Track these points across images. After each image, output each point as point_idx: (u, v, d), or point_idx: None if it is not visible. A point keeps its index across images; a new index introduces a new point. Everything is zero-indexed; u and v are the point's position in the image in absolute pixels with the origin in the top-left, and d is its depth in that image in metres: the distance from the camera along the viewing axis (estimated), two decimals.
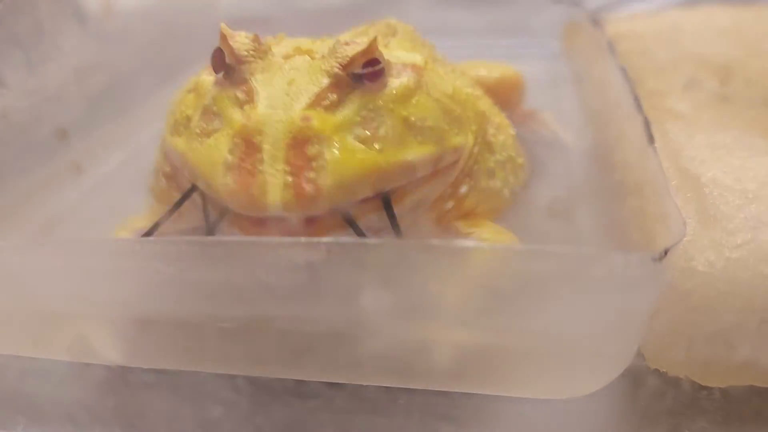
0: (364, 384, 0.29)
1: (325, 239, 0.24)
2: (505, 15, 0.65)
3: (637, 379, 0.28)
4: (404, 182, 0.28)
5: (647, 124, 0.33)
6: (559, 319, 0.25)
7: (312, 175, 0.25)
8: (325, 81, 0.27)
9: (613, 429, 0.28)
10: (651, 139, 0.32)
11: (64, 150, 0.43)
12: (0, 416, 0.30)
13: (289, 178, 0.25)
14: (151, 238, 0.27)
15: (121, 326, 0.29)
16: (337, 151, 0.26)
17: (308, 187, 0.25)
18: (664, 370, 0.28)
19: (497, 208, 0.34)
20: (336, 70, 0.27)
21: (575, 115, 0.49)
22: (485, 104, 0.36)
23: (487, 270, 0.24)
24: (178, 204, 0.31)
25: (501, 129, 0.36)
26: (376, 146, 0.27)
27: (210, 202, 0.29)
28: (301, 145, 0.26)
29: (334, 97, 0.27)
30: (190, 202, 0.30)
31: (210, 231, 0.28)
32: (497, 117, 0.37)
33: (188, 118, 0.30)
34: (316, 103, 0.27)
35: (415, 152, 0.28)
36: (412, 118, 0.28)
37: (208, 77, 0.30)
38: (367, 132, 0.27)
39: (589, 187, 0.39)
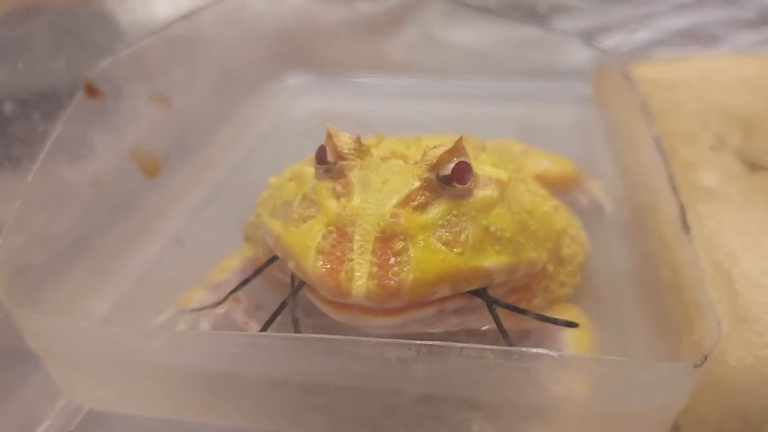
0: None
1: (417, 342, 0.28)
2: (534, 55, 0.67)
3: None
4: (479, 286, 0.31)
5: (683, 210, 0.37)
6: (617, 407, 0.29)
7: (396, 269, 0.28)
8: (416, 184, 0.30)
9: None
10: (687, 228, 0.36)
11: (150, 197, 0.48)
12: None
13: (375, 269, 0.28)
14: (265, 334, 0.30)
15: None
16: (420, 250, 0.29)
17: (391, 281, 0.28)
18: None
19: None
20: (426, 173, 0.31)
21: (606, 168, 0.53)
22: (561, 219, 0.38)
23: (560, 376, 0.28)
24: (256, 274, 0.35)
25: (574, 241, 0.38)
26: (457, 250, 0.30)
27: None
28: (388, 239, 0.29)
29: (422, 199, 0.30)
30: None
31: (293, 301, 0.31)
32: (572, 229, 0.39)
33: (287, 204, 0.33)
34: (405, 202, 0.30)
35: (492, 260, 0.31)
36: (492, 228, 0.31)
37: (309, 169, 0.34)
38: (450, 235, 0.30)
39: (628, 257, 0.43)
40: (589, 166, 0.53)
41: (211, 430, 0.35)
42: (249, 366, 0.30)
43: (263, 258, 0.38)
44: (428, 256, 0.29)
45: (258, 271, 0.35)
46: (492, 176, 0.34)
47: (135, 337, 0.31)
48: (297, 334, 0.29)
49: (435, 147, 0.31)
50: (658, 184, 0.43)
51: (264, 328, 0.31)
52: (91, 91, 0.41)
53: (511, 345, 0.31)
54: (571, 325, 0.33)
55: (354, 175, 0.31)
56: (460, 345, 0.28)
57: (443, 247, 0.30)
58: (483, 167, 0.35)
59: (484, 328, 0.35)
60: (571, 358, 0.29)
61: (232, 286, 0.38)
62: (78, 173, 0.42)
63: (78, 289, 0.40)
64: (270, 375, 0.30)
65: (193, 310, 0.37)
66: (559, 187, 0.47)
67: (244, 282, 0.35)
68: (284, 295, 0.32)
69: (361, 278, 0.28)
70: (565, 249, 0.37)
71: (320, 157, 0.32)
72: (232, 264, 0.40)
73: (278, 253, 0.33)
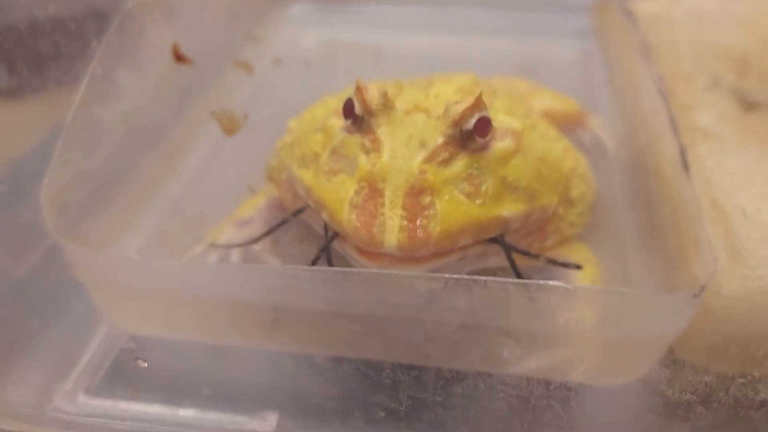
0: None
1: (445, 275, 0.31)
2: None
3: (668, 364, 0.36)
4: (498, 233, 0.33)
5: (683, 151, 0.40)
6: (623, 333, 0.33)
7: (424, 222, 0.31)
8: (440, 139, 0.33)
9: (655, 394, 0.36)
10: (686, 167, 0.39)
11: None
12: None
13: (405, 223, 0.31)
14: (315, 268, 0.32)
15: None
16: (446, 203, 0.31)
17: (420, 233, 0.31)
18: (690, 361, 0.36)
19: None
20: (449, 129, 0.33)
21: (607, 105, 0.56)
22: (570, 161, 0.41)
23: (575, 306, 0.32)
24: (284, 221, 0.38)
25: (583, 181, 0.41)
26: (478, 201, 0.32)
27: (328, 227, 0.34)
28: (417, 194, 0.31)
29: (446, 154, 0.32)
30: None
31: (328, 246, 0.34)
32: (580, 169, 0.41)
33: (316, 155, 0.35)
34: (431, 158, 0.32)
35: (510, 208, 0.33)
36: (510, 178, 0.34)
37: (336, 121, 0.36)
38: (471, 187, 0.32)
39: (630, 194, 0.46)
40: (591, 102, 0.56)
41: (250, 353, 0.39)
42: (299, 299, 0.33)
43: (287, 200, 0.41)
44: (453, 208, 0.32)
45: (287, 220, 0.37)
46: (508, 127, 0.36)
47: (184, 270, 0.34)
48: (340, 268, 0.32)
49: (457, 102, 0.33)
50: (659, 126, 0.45)
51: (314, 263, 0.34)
52: (179, 57, 0.42)
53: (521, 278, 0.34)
54: (577, 267, 0.36)
55: (381, 131, 0.33)
56: (484, 278, 0.31)
57: (466, 200, 0.32)
58: (498, 116, 0.37)
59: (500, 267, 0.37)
60: (582, 290, 0.33)
61: (258, 224, 0.41)
62: (109, 112, 0.43)
63: (114, 223, 0.42)
64: (321, 306, 0.33)
65: (226, 247, 0.40)
66: (563, 126, 0.50)
67: (277, 226, 0.38)
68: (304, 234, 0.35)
69: (392, 230, 0.30)
70: (574, 190, 0.40)
71: (347, 110, 0.34)
72: (258, 202, 0.43)
73: (311, 203, 0.35)
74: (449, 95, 0.39)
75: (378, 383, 0.35)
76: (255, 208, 0.42)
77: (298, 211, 0.37)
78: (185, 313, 0.36)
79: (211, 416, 0.36)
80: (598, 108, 0.55)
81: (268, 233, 0.38)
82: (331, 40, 0.68)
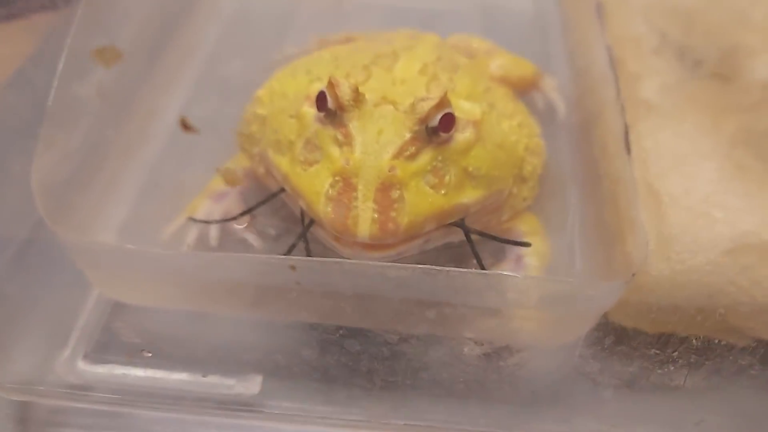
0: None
1: (413, 266, 0.35)
2: None
3: (603, 326, 0.41)
4: (459, 218, 0.37)
5: (627, 131, 0.44)
6: (561, 310, 0.38)
7: (393, 214, 0.34)
8: (407, 135, 0.35)
9: (589, 352, 0.42)
10: (628, 149, 0.43)
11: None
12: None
13: (376, 215, 0.34)
14: (298, 258, 0.36)
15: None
16: (413, 195, 0.35)
17: (390, 224, 0.34)
18: (619, 322, 0.42)
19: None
20: (416, 126, 0.35)
21: (561, 65, 0.59)
22: (524, 137, 0.44)
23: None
24: (264, 202, 0.41)
25: (534, 154, 0.44)
26: (442, 191, 0.36)
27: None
28: (387, 189, 0.34)
29: (413, 149, 0.35)
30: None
31: (305, 233, 0.37)
32: (533, 143, 0.44)
33: (291, 143, 0.38)
34: (399, 153, 0.35)
35: (470, 196, 0.37)
36: (470, 168, 0.37)
37: (309, 109, 0.38)
38: (436, 179, 0.36)
39: (576, 161, 0.50)
40: (545, 62, 0.58)
41: (236, 320, 0.43)
42: (284, 281, 0.36)
43: (260, 173, 0.44)
44: (419, 200, 0.35)
45: (267, 200, 0.40)
46: (469, 117, 0.39)
47: (171, 258, 0.38)
48: (324, 258, 0.35)
49: (423, 99, 0.36)
50: (606, 96, 0.49)
51: (287, 254, 0.38)
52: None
53: (482, 265, 0.38)
54: (527, 245, 0.40)
55: (353, 126, 0.36)
56: (447, 269, 0.35)
57: (431, 191, 0.36)
58: (460, 103, 0.40)
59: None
60: (528, 278, 0.37)
61: (234, 196, 0.44)
62: (85, 87, 0.45)
63: (98, 198, 0.45)
64: (300, 286, 0.37)
65: (205, 222, 0.43)
66: (519, 89, 0.53)
67: (256, 206, 0.41)
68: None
69: (365, 222, 0.34)
70: (527, 167, 0.44)
71: (320, 102, 0.37)
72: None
73: (287, 190, 0.38)
74: (415, 79, 0.42)
75: (352, 347, 0.40)
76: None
77: (276, 193, 0.40)
78: (174, 289, 0.40)
79: (202, 379, 0.40)
80: (553, 66, 0.58)
81: (246, 212, 0.41)
82: None
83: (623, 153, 0.43)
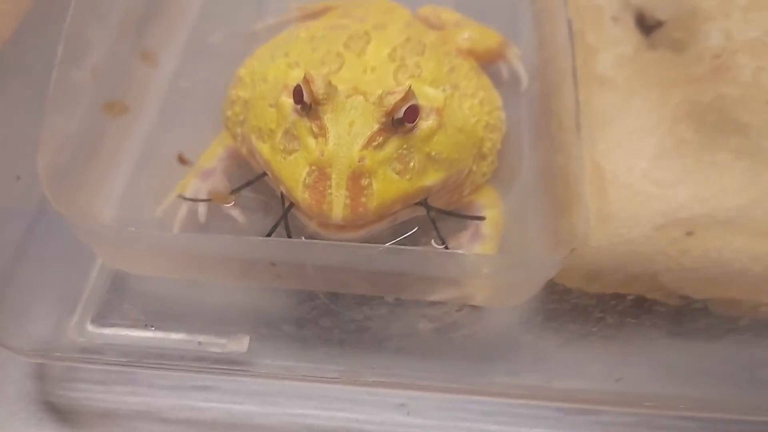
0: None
1: (380, 245, 0.40)
2: None
3: (549, 287, 0.46)
4: (422, 198, 0.42)
5: (578, 109, 0.48)
6: (511, 279, 0.43)
7: (363, 199, 0.39)
8: (375, 126, 0.39)
9: (537, 310, 0.47)
10: (579, 127, 0.48)
11: None
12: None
13: (348, 201, 0.38)
14: (280, 240, 0.41)
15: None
16: (380, 182, 0.39)
17: (360, 208, 0.39)
18: (563, 283, 0.47)
19: None
20: (383, 118, 0.39)
21: (528, 32, 0.62)
22: (485, 117, 0.48)
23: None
24: (248, 184, 0.45)
25: (494, 130, 0.49)
26: (407, 176, 0.40)
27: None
28: (357, 177, 0.39)
29: (380, 139, 0.39)
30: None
31: (285, 215, 0.42)
32: (493, 118, 0.49)
33: (272, 131, 0.42)
34: (368, 144, 0.39)
35: (432, 178, 0.41)
36: (433, 153, 0.41)
37: (287, 99, 0.41)
38: (401, 165, 0.40)
39: (534, 132, 0.54)
40: (513, 28, 0.62)
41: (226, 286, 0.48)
42: (265, 256, 0.42)
43: (243, 151, 0.48)
44: (386, 186, 0.39)
45: (251, 182, 0.45)
46: (432, 104, 0.43)
47: (170, 239, 0.43)
48: (306, 240, 0.41)
49: (390, 93, 0.40)
50: (564, 70, 0.53)
51: (269, 234, 0.42)
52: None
53: (441, 238, 0.43)
54: (481, 218, 0.45)
55: (327, 118, 0.40)
56: (407, 248, 0.40)
57: (397, 177, 0.40)
58: (424, 90, 0.43)
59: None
60: (477, 257, 0.43)
61: (220, 174, 0.49)
62: (81, 71, 0.48)
63: (98, 174, 0.49)
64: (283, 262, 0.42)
65: (193, 200, 0.48)
66: (485, 60, 0.57)
67: (242, 187, 0.45)
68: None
69: (338, 207, 0.38)
70: (486, 144, 0.48)
71: (297, 96, 0.41)
72: (217, 152, 0.50)
73: (269, 174, 0.43)
74: (384, 66, 0.46)
75: (330, 309, 0.45)
76: (215, 158, 0.49)
77: (259, 176, 0.45)
78: (169, 262, 0.45)
79: (199, 338, 0.45)
80: (520, 33, 0.61)
81: (232, 193, 0.46)
82: None
83: (574, 129, 0.48)
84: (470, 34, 0.56)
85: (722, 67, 0.56)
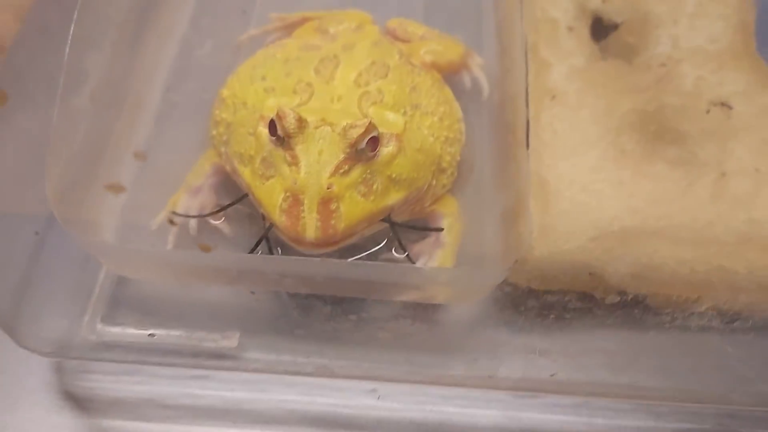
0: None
1: (347, 261, 0.46)
2: None
3: (502, 285, 0.53)
4: (386, 215, 0.48)
5: (528, 127, 0.54)
6: (466, 284, 0.50)
7: (333, 221, 0.44)
8: (341, 156, 0.45)
9: (492, 306, 0.54)
10: (527, 142, 0.53)
11: None
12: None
13: (319, 224, 0.44)
14: (264, 257, 0.48)
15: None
16: (347, 205, 0.45)
17: (330, 229, 0.44)
18: (515, 282, 0.54)
19: None
20: (348, 148, 0.45)
21: (490, 40, 0.67)
22: (444, 131, 0.54)
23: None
24: (232, 204, 0.51)
25: (453, 144, 0.54)
26: (371, 198, 0.46)
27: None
28: (326, 202, 0.44)
29: (346, 167, 0.45)
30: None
31: (266, 233, 0.48)
32: (453, 131, 0.55)
33: (251, 157, 0.48)
34: (335, 172, 0.44)
35: (393, 197, 0.47)
36: (393, 175, 0.47)
37: (263, 129, 0.47)
38: (366, 188, 0.45)
39: (493, 142, 0.60)
40: (477, 35, 0.67)
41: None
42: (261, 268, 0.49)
43: (228, 169, 0.54)
44: (353, 208, 0.45)
45: (236, 202, 0.51)
46: (392, 130, 0.48)
47: (164, 255, 0.49)
48: (287, 257, 0.47)
49: (353, 127, 0.45)
50: (518, 82, 0.58)
51: (252, 250, 0.49)
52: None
53: (404, 248, 0.50)
54: (440, 230, 0.52)
55: (299, 149, 0.45)
56: (375, 263, 0.47)
57: (362, 199, 0.46)
58: (385, 115, 0.50)
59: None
60: (433, 270, 0.50)
61: (207, 191, 0.55)
62: (80, 98, 0.54)
63: (101, 189, 0.55)
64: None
65: (184, 216, 0.54)
66: (448, 71, 0.62)
67: (229, 205, 0.51)
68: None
69: (311, 229, 0.44)
70: (445, 157, 0.54)
71: (272, 129, 0.46)
72: (204, 168, 0.55)
73: (250, 196, 0.48)
74: (350, 93, 0.51)
75: (313, 308, 0.52)
76: (203, 175, 0.55)
77: (243, 196, 0.51)
78: (165, 271, 0.52)
79: (196, 335, 0.52)
80: (483, 41, 0.66)
81: (219, 211, 0.52)
82: None
83: (523, 144, 0.54)
84: (433, 48, 0.61)
85: (667, 76, 0.61)
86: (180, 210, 0.54)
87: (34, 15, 0.61)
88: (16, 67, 0.56)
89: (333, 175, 0.45)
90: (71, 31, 0.52)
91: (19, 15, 0.62)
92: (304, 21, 0.66)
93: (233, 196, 0.53)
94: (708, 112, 0.59)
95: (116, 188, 0.54)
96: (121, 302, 0.54)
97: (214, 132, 0.55)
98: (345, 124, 0.46)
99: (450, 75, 0.62)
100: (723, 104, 0.59)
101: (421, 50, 0.61)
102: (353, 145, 0.45)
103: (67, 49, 0.51)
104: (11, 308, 0.51)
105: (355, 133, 0.45)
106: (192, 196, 0.54)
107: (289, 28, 0.66)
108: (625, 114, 0.58)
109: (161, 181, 0.57)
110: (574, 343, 0.53)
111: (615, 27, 0.68)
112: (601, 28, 0.69)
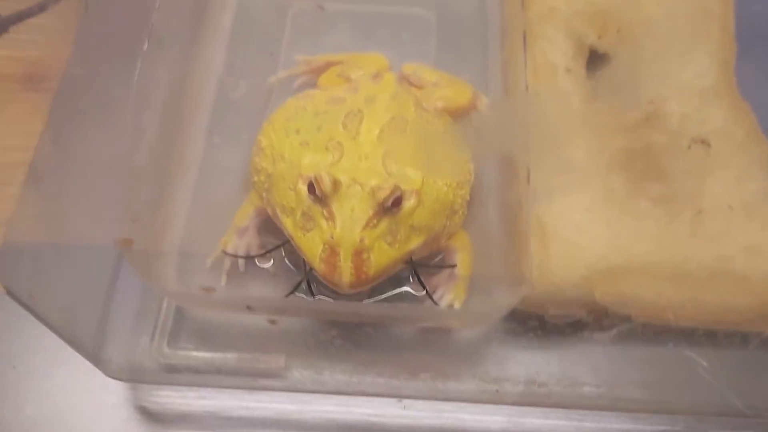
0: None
1: (374, 304, 0.56)
2: None
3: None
4: (408, 258, 0.56)
5: (528, 173, 0.62)
6: (476, 318, 0.59)
7: (365, 268, 0.53)
8: (370, 212, 0.53)
9: (498, 328, 0.63)
10: (528, 182, 0.61)
11: None
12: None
13: (353, 270, 0.53)
14: (306, 299, 0.57)
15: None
16: (376, 254, 0.53)
17: (363, 275, 0.53)
18: (518, 307, 0.63)
19: None
20: (376, 206, 0.53)
21: (495, 75, 0.74)
22: (457, 176, 0.61)
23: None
24: (275, 249, 0.61)
25: (463, 187, 0.62)
26: (396, 246, 0.54)
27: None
28: (359, 253, 0.53)
29: (375, 222, 0.53)
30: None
31: (307, 276, 0.58)
32: (463, 174, 0.62)
33: (293, 209, 0.56)
34: (366, 226, 0.53)
35: (414, 243, 0.55)
36: (414, 224, 0.55)
37: (303, 188, 0.55)
38: (391, 238, 0.54)
39: (499, 178, 0.68)
40: (483, 73, 0.74)
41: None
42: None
43: (269, 211, 0.62)
44: (381, 256, 0.54)
45: (280, 246, 0.60)
46: (412, 186, 0.56)
47: (213, 299, 0.58)
48: (325, 300, 0.57)
49: (380, 189, 0.54)
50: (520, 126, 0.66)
51: (295, 289, 0.58)
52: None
53: (424, 286, 0.59)
54: (453, 266, 0.61)
55: (335, 207, 0.54)
56: (392, 304, 0.56)
57: (388, 247, 0.54)
58: (405, 173, 0.57)
59: None
60: (446, 310, 0.59)
61: (253, 232, 0.63)
62: (141, 155, 0.63)
63: (161, 230, 0.64)
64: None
65: (234, 256, 0.62)
66: (459, 113, 0.70)
67: (272, 249, 0.60)
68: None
69: (346, 276, 0.53)
70: (457, 201, 0.62)
71: (310, 189, 0.55)
72: (248, 211, 0.63)
73: (292, 243, 0.57)
74: (375, 151, 0.59)
75: (348, 334, 0.62)
76: (247, 217, 0.63)
77: (285, 242, 0.60)
78: (225, 308, 0.61)
79: (247, 356, 0.62)
80: (490, 78, 0.73)
81: (265, 254, 0.61)
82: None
83: (526, 185, 0.62)
84: (444, 94, 0.69)
85: (654, 114, 0.68)
86: (229, 250, 0.62)
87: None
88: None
89: (364, 229, 0.53)
90: (132, 97, 0.60)
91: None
92: (327, 66, 0.73)
93: (274, 234, 0.62)
94: (689, 148, 0.66)
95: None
96: (183, 328, 0.63)
97: (256, 178, 0.63)
98: (373, 184, 0.54)
99: (459, 114, 0.69)
100: (702, 141, 0.66)
101: (434, 96, 0.68)
102: (381, 204, 0.54)
103: (129, 110, 0.60)
104: (96, 340, 0.61)
105: (382, 194, 0.54)
106: (239, 237, 0.63)
107: (314, 72, 0.74)
108: (615, 152, 0.65)
109: (211, 216, 0.65)
110: (567, 359, 0.62)
111: (609, 60, 0.75)
112: (596, 58, 0.76)
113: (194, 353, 0.62)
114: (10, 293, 0.52)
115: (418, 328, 0.62)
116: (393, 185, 0.54)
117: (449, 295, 0.60)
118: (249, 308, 0.60)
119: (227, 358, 0.62)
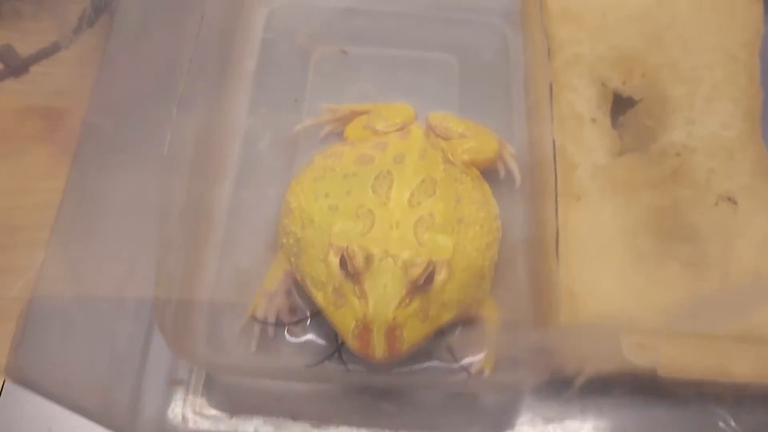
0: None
1: (406, 375, 0.56)
2: None
3: None
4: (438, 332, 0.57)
5: (557, 236, 0.62)
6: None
7: (397, 344, 0.54)
8: (403, 291, 0.54)
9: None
10: (557, 248, 0.62)
11: None
12: None
13: (385, 347, 0.54)
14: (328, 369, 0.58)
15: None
16: (408, 330, 0.54)
17: (395, 351, 0.54)
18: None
19: None
20: (409, 284, 0.54)
21: (520, 123, 0.74)
22: (485, 238, 0.61)
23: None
24: (306, 318, 0.61)
25: (491, 249, 0.62)
26: (427, 322, 0.55)
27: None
28: (392, 329, 0.53)
29: (407, 299, 0.54)
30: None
31: (339, 348, 0.59)
32: (490, 235, 0.62)
33: (323, 283, 0.56)
34: (399, 305, 0.53)
35: (445, 317, 0.56)
36: (445, 299, 0.56)
37: (334, 260, 0.56)
38: (422, 314, 0.54)
39: (525, 230, 0.68)
40: (508, 120, 0.74)
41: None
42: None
43: (297, 276, 0.62)
44: (413, 332, 0.54)
45: (309, 317, 0.61)
46: (443, 256, 0.56)
47: (244, 367, 0.59)
48: (358, 371, 0.58)
49: (413, 265, 0.54)
50: (547, 186, 0.66)
51: (326, 358, 0.59)
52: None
53: (454, 357, 0.59)
54: (469, 372, 0.61)
55: (367, 284, 0.54)
56: (436, 379, 0.57)
57: (419, 323, 0.55)
58: (436, 241, 0.57)
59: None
60: (473, 380, 0.59)
61: (281, 295, 0.63)
62: (173, 223, 0.63)
63: (191, 293, 0.65)
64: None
65: (263, 323, 0.63)
66: (485, 166, 0.70)
67: (303, 319, 0.61)
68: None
69: (379, 351, 0.54)
70: (486, 264, 0.62)
71: (342, 263, 0.55)
72: (277, 275, 0.63)
73: (323, 314, 0.58)
74: (407, 219, 0.59)
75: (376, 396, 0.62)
76: (276, 281, 0.63)
77: (315, 313, 0.60)
78: (254, 375, 0.62)
79: (271, 420, 0.63)
80: (514, 129, 0.73)
81: (295, 323, 0.62)
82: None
83: (553, 254, 0.62)
84: (471, 146, 0.69)
85: (681, 168, 0.68)
86: (259, 315, 0.63)
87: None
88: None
89: (397, 308, 0.54)
90: (163, 166, 0.60)
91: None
92: (353, 115, 0.73)
93: (302, 298, 0.63)
94: (716, 205, 0.66)
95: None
96: (210, 392, 0.64)
97: (284, 240, 0.64)
98: (406, 258, 0.55)
99: (486, 166, 0.69)
100: (729, 199, 0.66)
101: (460, 149, 0.68)
102: (414, 282, 0.54)
103: (160, 179, 0.60)
104: (130, 406, 0.62)
105: (415, 272, 0.54)
106: (269, 301, 0.63)
107: (339, 121, 0.73)
108: (641, 210, 0.65)
109: (240, 277, 0.66)
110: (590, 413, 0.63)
111: (633, 104, 0.75)
112: (621, 102, 0.75)
113: (225, 423, 0.62)
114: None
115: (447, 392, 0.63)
116: (426, 262, 0.54)
117: (477, 367, 0.61)
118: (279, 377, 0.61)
119: (251, 422, 0.62)
